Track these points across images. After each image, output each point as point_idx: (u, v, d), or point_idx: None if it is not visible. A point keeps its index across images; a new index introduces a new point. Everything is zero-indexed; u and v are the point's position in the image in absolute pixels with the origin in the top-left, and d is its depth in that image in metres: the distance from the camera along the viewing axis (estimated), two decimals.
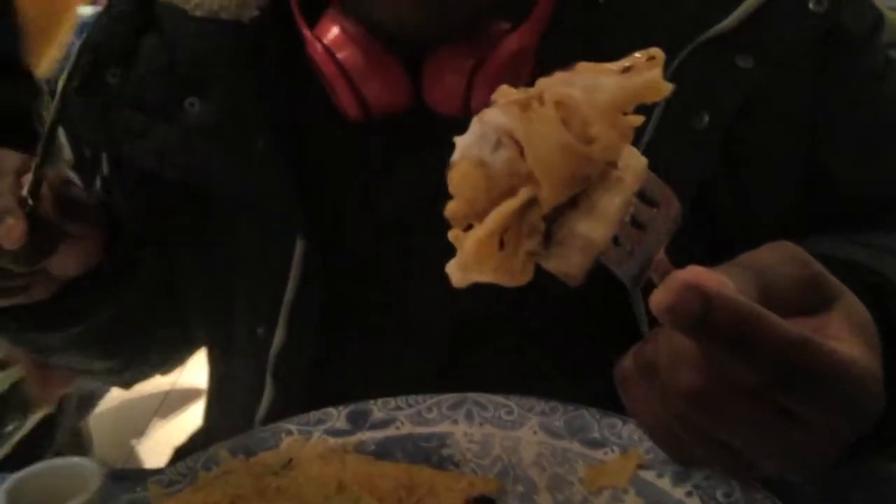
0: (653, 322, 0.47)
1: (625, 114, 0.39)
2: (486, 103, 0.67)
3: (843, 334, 0.46)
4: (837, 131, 0.78)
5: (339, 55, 0.74)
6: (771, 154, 0.76)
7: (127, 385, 1.03)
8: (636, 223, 0.41)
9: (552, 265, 0.41)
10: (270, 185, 0.79)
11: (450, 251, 0.77)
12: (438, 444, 0.77)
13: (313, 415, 0.79)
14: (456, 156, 0.41)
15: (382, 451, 0.77)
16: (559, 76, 0.40)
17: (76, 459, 0.75)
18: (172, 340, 1.01)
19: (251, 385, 0.87)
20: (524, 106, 0.39)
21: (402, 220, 0.81)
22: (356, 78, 0.74)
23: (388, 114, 0.77)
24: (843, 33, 0.77)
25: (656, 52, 0.39)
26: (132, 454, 2.78)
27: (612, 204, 0.40)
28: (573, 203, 0.40)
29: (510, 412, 0.76)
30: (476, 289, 0.76)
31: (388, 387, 0.83)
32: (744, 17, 0.71)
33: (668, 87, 0.39)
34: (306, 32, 0.77)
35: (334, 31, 0.75)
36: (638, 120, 0.39)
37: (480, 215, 0.39)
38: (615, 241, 0.41)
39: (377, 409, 0.79)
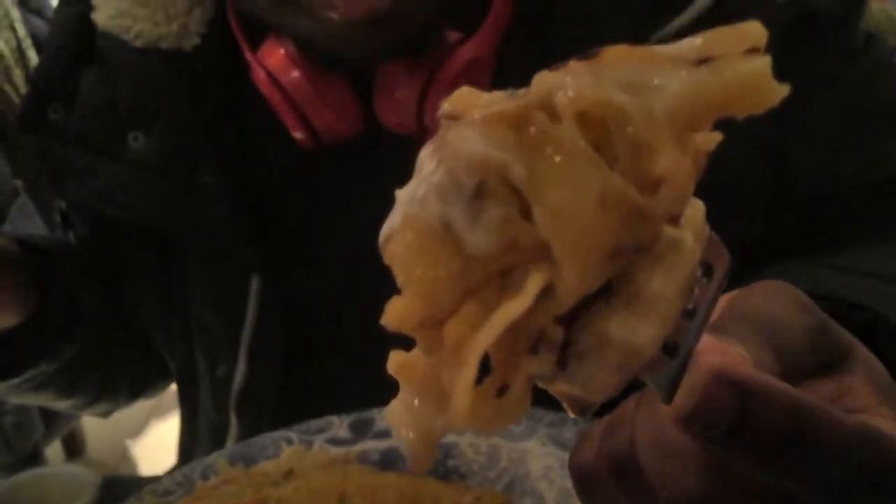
0: None
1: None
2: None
3: (872, 402, 0.35)
4: (804, 120, 0.66)
5: (284, 80, 0.65)
6: (737, 158, 0.62)
7: (103, 415, 0.94)
8: (688, 309, 0.24)
9: (564, 389, 0.23)
10: (220, 222, 0.70)
11: None
12: (444, 455, 0.68)
13: (314, 423, 0.70)
14: (396, 221, 0.22)
15: (386, 462, 0.68)
16: (574, 69, 0.20)
17: (70, 467, 0.69)
18: (141, 374, 0.90)
19: (216, 421, 0.78)
20: (516, 124, 0.20)
21: (362, 250, 0.68)
22: (303, 104, 0.65)
23: (341, 138, 0.67)
24: (811, 14, 0.65)
25: (755, 28, 0.21)
26: (126, 454, 2.56)
27: (670, 286, 0.21)
28: (603, 292, 0.21)
29: (517, 423, 0.67)
30: None
31: None
32: (702, 11, 0.60)
33: (783, 90, 0.21)
34: (249, 57, 0.67)
35: (278, 54, 0.65)
36: (714, 140, 0.21)
37: (440, 322, 0.21)
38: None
39: (380, 417, 0.69)
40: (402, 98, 0.63)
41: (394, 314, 0.20)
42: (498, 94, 0.20)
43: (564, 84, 0.19)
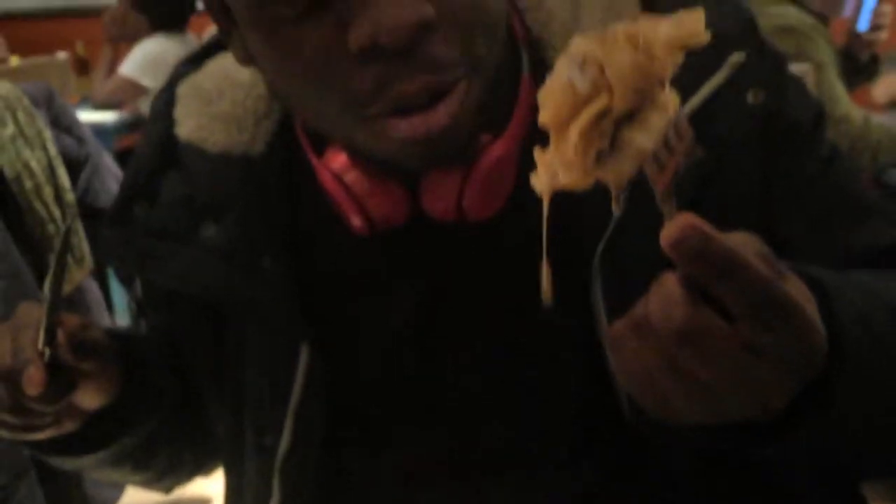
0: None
1: None
2: (476, 206, 0.71)
3: (796, 293, 0.50)
4: (788, 208, 0.77)
5: (347, 179, 0.73)
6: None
7: (167, 490, 1.00)
8: (667, 146, 0.47)
9: (607, 171, 0.47)
10: (275, 296, 0.77)
11: (459, 362, 0.79)
12: None
13: None
14: (549, 79, 0.47)
15: None
16: (624, 23, 0.47)
17: None
18: (203, 447, 0.96)
19: (260, 490, 0.83)
20: (601, 39, 0.46)
21: (406, 330, 0.80)
22: (361, 198, 0.73)
23: (391, 225, 0.75)
24: (786, 120, 0.76)
25: (699, 14, 0.47)
26: None
27: (659, 121, 0.46)
28: (630, 118, 0.46)
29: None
30: (480, 412, 0.78)
31: (393, 500, 0.82)
32: (691, 112, 0.70)
33: (707, 37, 0.46)
34: (314, 161, 0.76)
35: (341, 158, 0.74)
36: (681, 56, 0.46)
37: (565, 123, 0.46)
38: (653, 158, 0.48)
39: None
40: (444, 193, 0.73)
41: (542, 118, 0.47)
42: (585, 37, 0.47)
43: (619, 26, 0.45)
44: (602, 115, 0.45)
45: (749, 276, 0.48)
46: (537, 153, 0.48)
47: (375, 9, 0.62)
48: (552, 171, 0.46)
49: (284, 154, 0.80)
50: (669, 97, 0.46)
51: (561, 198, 0.53)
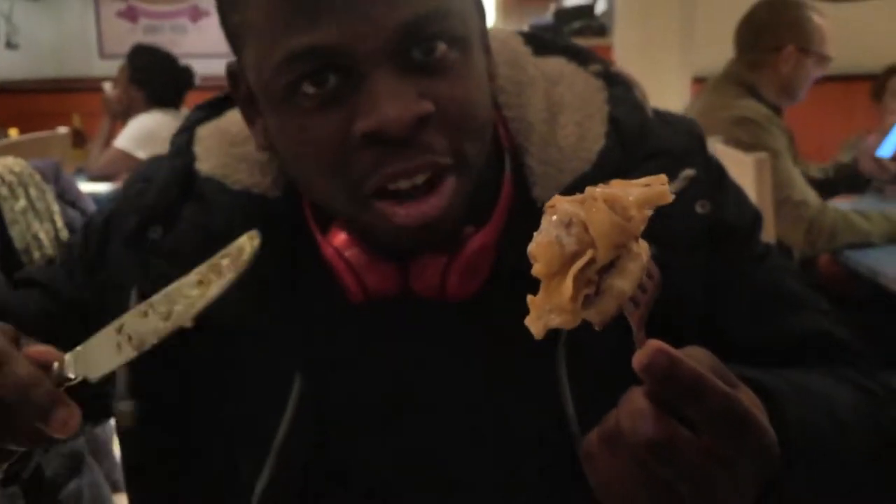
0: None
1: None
2: (457, 287, 0.77)
3: (749, 404, 0.55)
4: (728, 300, 0.83)
5: (347, 254, 0.79)
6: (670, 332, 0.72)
7: None
8: (640, 286, 0.55)
9: (593, 312, 0.53)
10: (275, 318, 0.81)
11: (431, 424, 0.82)
12: None
13: None
14: (538, 236, 0.54)
15: None
16: (601, 186, 0.54)
17: None
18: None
19: None
20: (582, 201, 0.53)
21: (389, 388, 0.84)
22: (359, 271, 0.79)
23: (382, 297, 0.80)
24: (728, 227, 0.83)
25: (663, 178, 0.54)
26: None
27: (635, 268, 0.53)
28: (611, 266, 0.53)
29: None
30: (449, 475, 0.82)
31: None
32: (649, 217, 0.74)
33: (670, 197, 0.53)
34: (318, 237, 0.81)
35: (342, 235, 0.79)
36: (649, 214, 0.53)
37: (554, 273, 0.52)
38: (630, 298, 0.54)
39: None
40: (430, 275, 0.78)
41: (535, 271, 0.51)
42: (566, 198, 0.52)
43: (597, 190, 0.51)
44: (587, 266, 0.50)
45: (712, 393, 0.53)
46: (530, 300, 0.55)
47: (382, 103, 0.68)
48: (545, 314, 0.51)
49: (297, 202, 0.84)
50: (642, 246, 0.52)
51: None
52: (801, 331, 0.84)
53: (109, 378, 0.67)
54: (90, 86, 5.10)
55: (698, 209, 0.81)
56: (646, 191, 0.52)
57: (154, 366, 0.74)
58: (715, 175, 0.85)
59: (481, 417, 0.82)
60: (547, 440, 0.80)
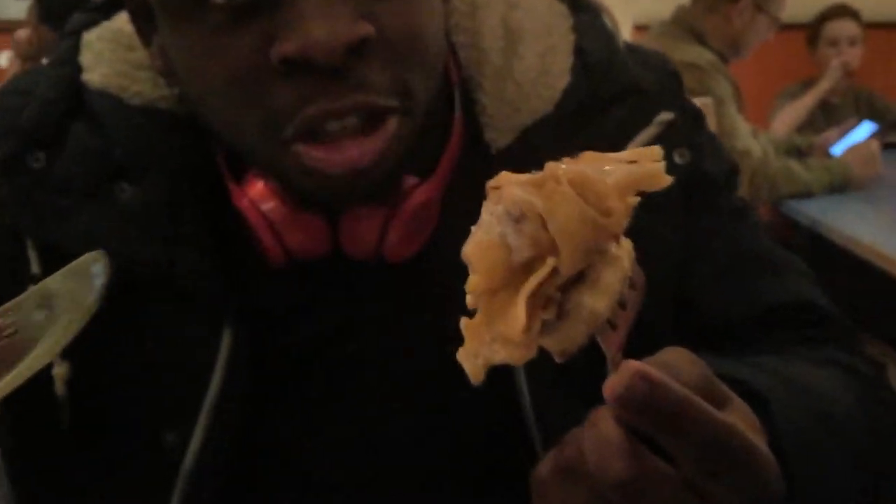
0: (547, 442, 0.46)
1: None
2: (396, 249, 0.66)
3: (743, 426, 0.46)
4: (700, 261, 0.73)
5: (265, 207, 0.67)
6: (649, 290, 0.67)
7: None
8: (619, 302, 0.38)
9: (554, 339, 0.36)
10: (198, 266, 0.68)
11: (364, 387, 0.72)
12: None
13: None
14: (477, 232, 0.36)
15: None
16: (567, 162, 0.37)
17: None
18: None
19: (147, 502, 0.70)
20: (538, 184, 0.35)
21: (317, 350, 0.73)
22: (280, 228, 0.67)
23: (308, 258, 0.69)
24: (704, 177, 0.73)
25: (657, 150, 0.37)
26: None
27: (614, 279, 0.36)
28: (579, 278, 0.36)
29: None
30: (388, 441, 0.71)
31: None
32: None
33: (668, 180, 0.37)
34: (232, 186, 0.68)
35: (259, 185, 0.67)
36: (635, 202, 0.36)
37: (497, 290, 0.35)
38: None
39: None
40: (363, 234, 0.67)
41: (471, 286, 0.34)
42: (523, 175, 0.36)
43: (562, 168, 0.34)
44: (547, 279, 0.34)
45: (700, 427, 0.43)
46: (464, 324, 0.37)
47: (309, 21, 0.55)
48: (485, 346, 0.35)
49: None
50: (623, 247, 0.36)
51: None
52: (783, 297, 0.75)
53: None
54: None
55: (676, 159, 0.71)
56: (631, 170, 0.35)
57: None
58: (692, 119, 0.74)
59: (425, 399, 0.72)
60: (499, 430, 0.70)
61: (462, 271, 0.50)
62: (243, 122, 0.61)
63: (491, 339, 0.35)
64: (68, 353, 0.66)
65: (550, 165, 0.36)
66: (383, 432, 0.73)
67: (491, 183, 0.37)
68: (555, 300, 0.35)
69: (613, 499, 0.44)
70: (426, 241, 0.68)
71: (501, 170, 0.72)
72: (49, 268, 0.68)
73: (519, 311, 0.33)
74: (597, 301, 0.35)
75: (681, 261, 0.72)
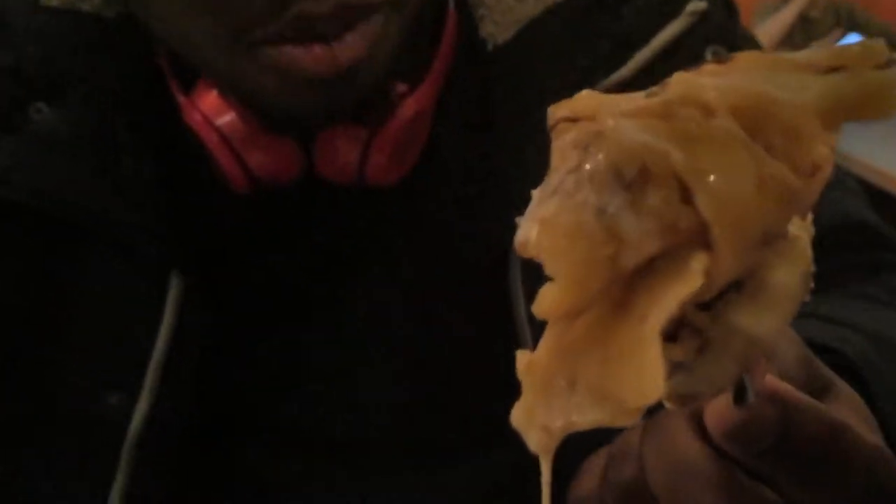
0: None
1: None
2: (381, 172, 0.56)
3: (862, 430, 0.34)
4: None
5: (220, 122, 0.56)
6: None
7: None
8: None
9: (680, 384, 0.21)
10: (137, 200, 0.58)
11: (342, 332, 0.62)
12: None
13: None
14: (546, 204, 0.20)
15: None
16: (711, 70, 0.21)
17: None
18: None
19: (92, 472, 0.60)
20: (666, 115, 0.19)
21: (287, 292, 0.64)
22: (240, 147, 0.57)
23: (278, 183, 0.59)
24: None
25: (881, 47, 0.21)
26: None
27: (792, 278, 0.20)
28: (734, 284, 0.20)
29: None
30: (369, 392, 0.61)
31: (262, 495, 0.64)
32: (642, 66, 0.58)
33: None
34: (181, 97, 0.58)
35: (212, 95, 0.57)
36: (836, 140, 0.21)
37: (580, 313, 0.20)
38: None
39: None
40: (344, 153, 0.57)
41: (545, 303, 0.19)
42: (625, 96, 0.20)
43: (706, 83, 0.19)
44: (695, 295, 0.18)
45: (861, 460, 0.31)
46: (524, 366, 0.21)
47: None
48: (561, 400, 0.20)
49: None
50: (804, 225, 0.21)
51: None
52: (834, 217, 0.64)
53: None
54: None
55: (709, 56, 0.59)
56: (838, 85, 0.19)
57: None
58: (726, 10, 0.63)
59: (413, 346, 0.63)
60: (490, 356, 0.57)
61: (460, 195, 0.43)
62: (196, 22, 0.50)
63: (568, 386, 0.19)
64: None
65: (684, 80, 0.20)
66: (364, 382, 0.63)
67: (560, 110, 0.21)
68: (695, 326, 0.19)
69: None
70: (416, 162, 0.58)
71: (500, 71, 0.60)
72: None
73: (651, 361, 0.17)
74: (762, 322, 0.19)
75: None
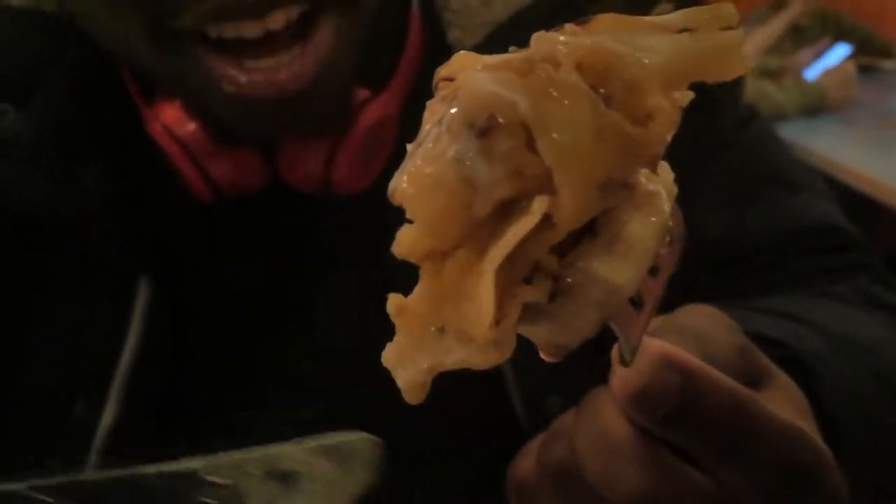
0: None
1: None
2: (347, 178, 0.54)
3: (792, 416, 0.35)
4: (703, 183, 0.63)
5: (181, 132, 0.54)
6: None
7: None
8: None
9: (545, 329, 0.22)
10: (100, 218, 0.56)
11: (314, 334, 0.60)
12: None
13: None
14: (414, 156, 0.21)
15: None
16: (570, 30, 0.21)
17: None
18: None
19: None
20: (522, 71, 0.20)
21: (254, 300, 0.62)
22: (202, 158, 0.55)
23: (241, 192, 0.57)
24: (709, 89, 0.63)
25: (729, 9, 0.21)
26: None
27: (647, 231, 0.21)
28: (589, 232, 0.21)
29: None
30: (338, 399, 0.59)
31: None
32: None
33: (747, 60, 0.22)
34: (142, 106, 0.56)
35: (174, 106, 0.55)
36: (688, 97, 0.22)
37: (447, 252, 0.20)
38: None
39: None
40: (308, 162, 0.55)
41: (404, 244, 0.20)
42: (493, 56, 0.21)
43: (561, 40, 0.20)
44: (536, 235, 0.19)
45: (770, 433, 0.31)
46: (395, 306, 0.22)
47: None
48: (430, 341, 0.20)
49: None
50: (662, 178, 0.22)
51: None
52: (804, 219, 0.64)
53: None
54: None
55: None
56: (684, 45, 0.19)
57: None
58: None
59: (377, 334, 0.55)
60: (474, 388, 0.56)
61: None
62: (120, 21, 0.47)
63: (438, 331, 0.20)
64: None
65: (542, 38, 0.20)
66: (333, 393, 0.61)
67: (441, 70, 0.22)
68: (547, 270, 0.20)
69: None
70: (383, 168, 0.56)
71: None
72: None
73: (485, 290, 0.18)
74: (618, 270, 0.20)
75: (683, 183, 0.58)
